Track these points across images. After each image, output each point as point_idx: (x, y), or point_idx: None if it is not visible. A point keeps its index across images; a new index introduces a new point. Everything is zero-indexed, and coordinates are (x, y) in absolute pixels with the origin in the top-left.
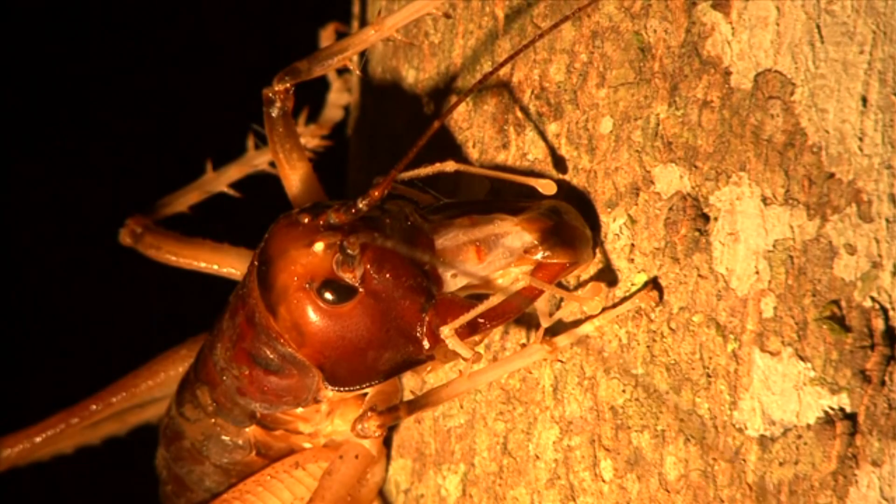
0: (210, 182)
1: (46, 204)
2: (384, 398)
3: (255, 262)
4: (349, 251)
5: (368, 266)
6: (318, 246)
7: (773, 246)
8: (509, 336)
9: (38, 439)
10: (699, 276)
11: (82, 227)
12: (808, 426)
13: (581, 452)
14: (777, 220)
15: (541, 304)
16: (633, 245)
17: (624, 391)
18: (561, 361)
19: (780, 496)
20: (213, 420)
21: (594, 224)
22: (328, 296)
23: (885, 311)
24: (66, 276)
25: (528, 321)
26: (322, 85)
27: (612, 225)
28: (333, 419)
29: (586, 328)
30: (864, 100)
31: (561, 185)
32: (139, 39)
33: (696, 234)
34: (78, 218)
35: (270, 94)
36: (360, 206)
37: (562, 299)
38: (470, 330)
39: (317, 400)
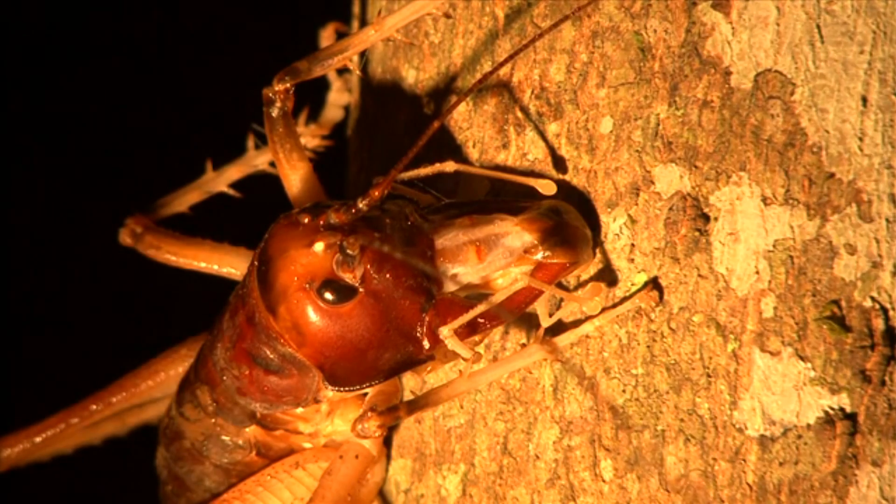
0: (210, 182)
1: (46, 204)
2: (384, 398)
3: (255, 262)
4: (349, 251)
5: (368, 266)
6: (318, 246)
7: (774, 246)
8: (509, 336)
9: (38, 439)
10: (699, 276)
11: (82, 227)
12: (808, 426)
13: (581, 452)
14: (777, 220)
15: (541, 305)
16: (633, 245)
17: (624, 391)
18: (561, 361)
19: (780, 496)
20: (213, 420)
21: (594, 224)
22: (328, 296)
23: (885, 311)
24: (67, 276)
25: (528, 321)
26: (322, 85)
27: (612, 225)
28: (333, 419)
29: (586, 328)
30: (865, 100)
31: (561, 185)
32: (139, 39)
33: (696, 234)
34: (78, 218)
35: (270, 94)
36: (360, 206)
37: (562, 299)
38: (470, 330)
39: (317, 400)
